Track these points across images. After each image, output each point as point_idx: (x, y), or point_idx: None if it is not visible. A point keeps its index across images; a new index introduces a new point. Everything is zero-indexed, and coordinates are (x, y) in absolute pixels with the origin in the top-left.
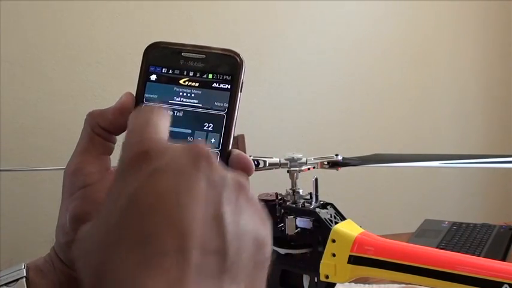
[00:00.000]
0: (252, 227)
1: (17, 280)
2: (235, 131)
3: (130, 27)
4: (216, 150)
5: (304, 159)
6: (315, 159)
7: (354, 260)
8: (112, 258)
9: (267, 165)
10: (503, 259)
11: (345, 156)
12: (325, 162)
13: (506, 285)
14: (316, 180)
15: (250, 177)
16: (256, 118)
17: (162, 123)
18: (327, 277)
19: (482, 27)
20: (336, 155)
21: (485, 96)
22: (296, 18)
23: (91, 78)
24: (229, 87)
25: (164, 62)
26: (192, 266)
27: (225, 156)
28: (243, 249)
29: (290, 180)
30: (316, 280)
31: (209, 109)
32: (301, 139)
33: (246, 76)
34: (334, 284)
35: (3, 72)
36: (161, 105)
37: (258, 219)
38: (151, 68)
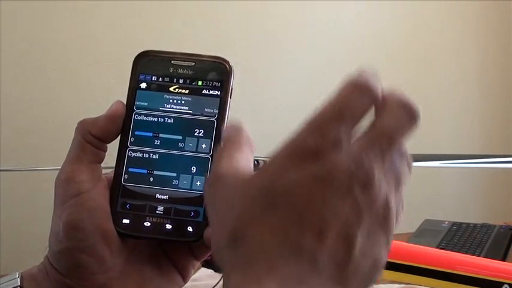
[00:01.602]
0: (377, 252)
1: None
2: None
3: (130, 27)
4: (207, 156)
5: None
6: None
7: None
8: (254, 228)
9: None
10: (503, 259)
11: None
12: None
13: (506, 285)
14: None
15: None
16: (256, 118)
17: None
18: None
19: (483, 28)
20: None
21: (485, 96)
22: (298, 19)
23: (91, 78)
24: (218, 93)
25: (154, 70)
26: (320, 266)
27: None
28: (362, 269)
29: None
30: None
31: (199, 115)
32: None
33: (235, 82)
34: None
35: (3, 72)
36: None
37: (384, 243)
38: (142, 76)
